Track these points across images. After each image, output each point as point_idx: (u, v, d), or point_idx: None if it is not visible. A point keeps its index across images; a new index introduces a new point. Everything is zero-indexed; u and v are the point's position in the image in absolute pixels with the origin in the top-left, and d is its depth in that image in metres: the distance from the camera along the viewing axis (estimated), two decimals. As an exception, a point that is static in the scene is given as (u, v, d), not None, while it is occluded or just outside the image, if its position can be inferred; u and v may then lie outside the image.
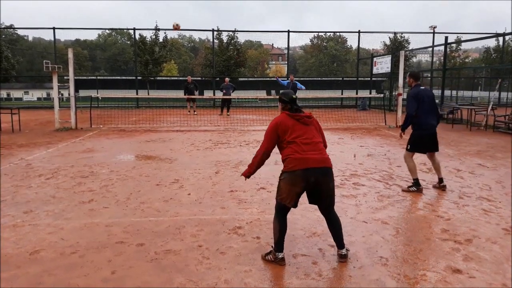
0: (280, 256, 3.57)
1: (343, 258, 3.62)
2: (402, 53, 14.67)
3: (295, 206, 3.57)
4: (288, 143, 3.53)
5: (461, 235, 4.23)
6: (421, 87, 5.95)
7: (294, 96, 3.75)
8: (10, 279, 3.29)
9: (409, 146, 5.97)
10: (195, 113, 19.25)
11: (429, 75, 26.27)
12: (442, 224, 4.57)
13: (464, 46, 37.15)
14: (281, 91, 3.92)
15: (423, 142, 5.90)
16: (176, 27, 7.47)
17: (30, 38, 73.20)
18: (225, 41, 28.77)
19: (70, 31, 69.23)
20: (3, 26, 32.06)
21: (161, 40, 29.32)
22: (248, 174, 3.81)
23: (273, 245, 3.63)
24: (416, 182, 5.91)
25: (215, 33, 27.21)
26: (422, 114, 5.80)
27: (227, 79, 19.83)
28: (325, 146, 3.74)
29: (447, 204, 5.29)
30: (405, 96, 25.13)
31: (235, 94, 20.27)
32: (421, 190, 5.87)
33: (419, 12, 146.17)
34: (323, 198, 3.58)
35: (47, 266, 3.52)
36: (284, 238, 3.62)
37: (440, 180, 6.06)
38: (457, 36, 29.16)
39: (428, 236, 4.22)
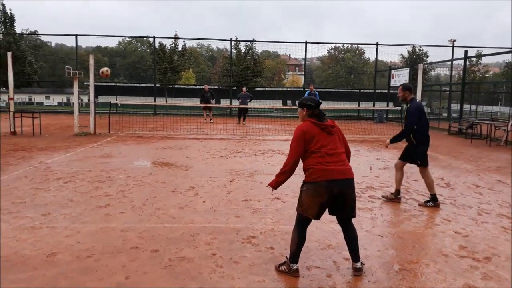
0: (294, 268, 3.53)
1: (358, 272, 3.57)
2: (420, 66, 14.56)
3: (317, 218, 3.52)
4: (311, 152, 3.47)
5: (480, 253, 4.14)
6: (417, 100, 5.91)
7: (320, 101, 3.68)
8: (27, 280, 3.34)
9: (423, 162, 5.89)
10: (211, 121, 19.44)
11: (447, 89, 25.99)
12: (460, 241, 4.48)
13: (484, 60, 36.64)
14: (301, 98, 3.81)
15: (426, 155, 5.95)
16: (104, 73, 7.09)
17: (53, 44, 75.07)
18: (242, 51, 29.00)
19: (92, 38, 70.57)
20: (27, 32, 32.94)
21: (180, 48, 29.70)
22: (276, 185, 3.67)
23: (288, 256, 3.61)
24: (433, 197, 5.83)
25: (233, 43, 27.46)
26: (427, 128, 5.80)
27: (244, 88, 19.97)
28: (349, 153, 3.70)
29: (465, 221, 5.19)
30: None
31: (251, 104, 20.35)
32: (438, 205, 5.78)
33: (437, 22, 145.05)
34: (345, 209, 3.55)
35: (63, 268, 3.57)
36: (301, 251, 3.59)
37: (398, 192, 6.04)
38: (477, 50, 28.83)
39: (445, 252, 4.14)
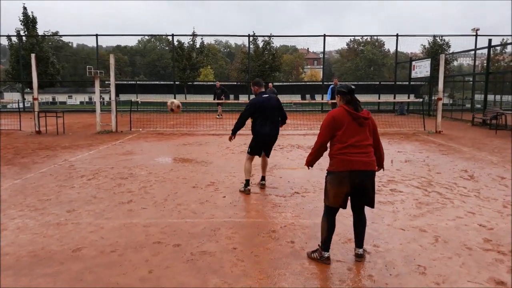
0: (325, 255, 3.62)
1: (359, 258, 3.68)
2: (442, 56, 14.23)
3: (343, 206, 3.59)
4: (337, 141, 3.53)
5: (505, 246, 4.05)
6: (264, 95, 6.02)
7: (353, 87, 3.65)
8: (53, 274, 3.44)
9: (249, 149, 6.14)
10: (220, 116, 19.89)
11: (471, 79, 25.38)
12: (484, 234, 4.39)
13: (510, 48, 35.59)
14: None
15: (258, 147, 6.10)
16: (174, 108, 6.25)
17: (74, 45, 76.46)
18: (260, 46, 28.91)
19: (112, 38, 71.65)
20: (49, 34, 33.61)
21: (198, 46, 29.81)
22: (308, 164, 3.86)
23: (320, 244, 3.69)
24: (247, 183, 6.04)
25: (251, 38, 27.43)
26: (259, 123, 5.96)
27: (270, 84, 20.22)
28: (378, 148, 3.69)
29: (490, 213, 5.08)
30: (446, 101, 24.40)
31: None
32: (248, 191, 5.97)
33: (464, 13, 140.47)
34: (363, 199, 3.61)
35: (88, 263, 3.66)
36: (332, 238, 3.66)
37: (263, 178, 6.37)
38: (502, 39, 28.06)
39: (469, 245, 4.07)
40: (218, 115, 20.23)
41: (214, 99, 20.12)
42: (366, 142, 3.53)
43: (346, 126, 3.50)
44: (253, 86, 6.19)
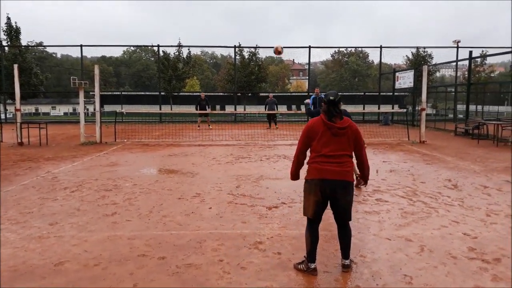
0: (312, 267, 3.61)
1: (345, 268, 3.68)
2: (425, 68, 14.48)
3: (315, 217, 3.57)
4: (312, 150, 3.60)
5: (489, 254, 4.10)
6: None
7: (332, 98, 3.56)
8: (35, 289, 3.35)
9: None
10: (210, 127, 20.19)
11: (453, 90, 25.86)
12: (468, 243, 4.43)
13: (489, 60, 36.42)
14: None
15: None
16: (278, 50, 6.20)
17: (59, 55, 75.60)
18: (246, 57, 29.04)
19: (97, 48, 71.08)
20: (33, 44, 33.26)
21: (184, 56, 29.77)
22: (291, 177, 3.93)
23: (305, 255, 3.68)
24: None
25: (237, 49, 27.56)
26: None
27: (271, 94, 21.03)
28: (359, 157, 3.71)
29: (474, 222, 5.14)
30: (429, 111, 24.78)
31: (257, 110, 20.76)
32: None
33: (448, 23, 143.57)
34: (338, 210, 3.60)
35: (71, 277, 3.57)
36: (316, 249, 3.65)
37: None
38: (482, 51, 28.73)
39: (454, 254, 4.10)
40: (209, 126, 20.40)
41: (196, 109, 20.31)
42: (340, 152, 3.51)
43: (320, 136, 3.53)
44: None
